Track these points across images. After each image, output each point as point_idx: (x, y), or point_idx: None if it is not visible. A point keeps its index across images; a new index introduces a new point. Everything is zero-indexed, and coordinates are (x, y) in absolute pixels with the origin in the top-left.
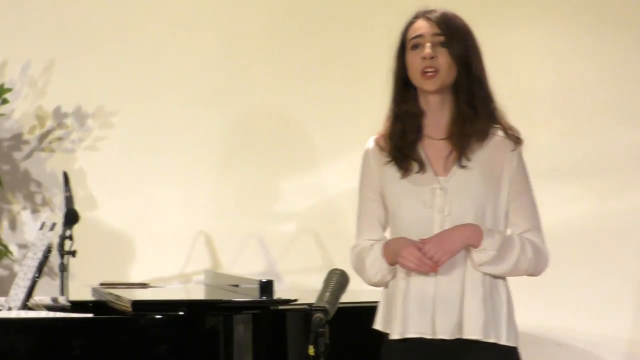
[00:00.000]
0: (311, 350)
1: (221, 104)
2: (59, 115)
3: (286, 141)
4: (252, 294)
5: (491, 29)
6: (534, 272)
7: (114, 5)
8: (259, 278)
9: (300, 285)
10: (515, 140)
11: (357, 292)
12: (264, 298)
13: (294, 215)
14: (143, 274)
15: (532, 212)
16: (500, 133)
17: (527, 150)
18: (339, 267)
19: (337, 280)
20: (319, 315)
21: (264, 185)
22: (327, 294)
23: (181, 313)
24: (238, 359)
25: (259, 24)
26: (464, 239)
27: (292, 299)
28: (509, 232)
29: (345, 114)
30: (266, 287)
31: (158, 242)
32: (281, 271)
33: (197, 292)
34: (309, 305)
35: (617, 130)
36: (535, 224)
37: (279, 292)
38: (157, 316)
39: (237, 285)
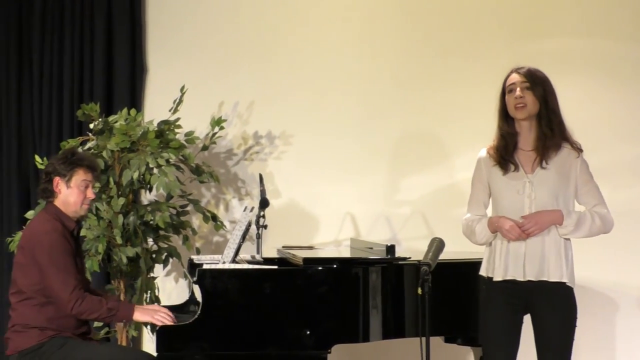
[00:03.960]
0: (419, 291)
1: (362, 127)
2: (256, 137)
3: (405, 152)
4: (381, 254)
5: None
6: (604, 232)
7: (294, 63)
8: (385, 243)
9: (412, 248)
10: (578, 150)
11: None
12: (389, 256)
13: (409, 202)
14: (310, 240)
15: (597, 192)
16: (568, 146)
17: None
18: (438, 236)
19: (437, 245)
20: (425, 267)
21: (389, 182)
22: (430, 254)
23: (335, 266)
24: (372, 297)
25: (390, 70)
26: (551, 220)
27: (407, 257)
28: (582, 208)
29: (434, 137)
30: (390, 249)
31: (320, 219)
32: (400, 239)
33: (345, 252)
34: (419, 261)
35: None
36: (601, 200)
37: (399, 252)
38: (319, 268)
39: (371, 248)
